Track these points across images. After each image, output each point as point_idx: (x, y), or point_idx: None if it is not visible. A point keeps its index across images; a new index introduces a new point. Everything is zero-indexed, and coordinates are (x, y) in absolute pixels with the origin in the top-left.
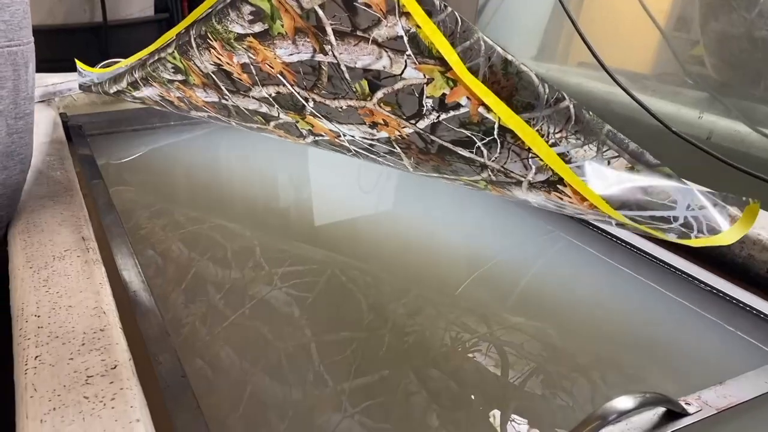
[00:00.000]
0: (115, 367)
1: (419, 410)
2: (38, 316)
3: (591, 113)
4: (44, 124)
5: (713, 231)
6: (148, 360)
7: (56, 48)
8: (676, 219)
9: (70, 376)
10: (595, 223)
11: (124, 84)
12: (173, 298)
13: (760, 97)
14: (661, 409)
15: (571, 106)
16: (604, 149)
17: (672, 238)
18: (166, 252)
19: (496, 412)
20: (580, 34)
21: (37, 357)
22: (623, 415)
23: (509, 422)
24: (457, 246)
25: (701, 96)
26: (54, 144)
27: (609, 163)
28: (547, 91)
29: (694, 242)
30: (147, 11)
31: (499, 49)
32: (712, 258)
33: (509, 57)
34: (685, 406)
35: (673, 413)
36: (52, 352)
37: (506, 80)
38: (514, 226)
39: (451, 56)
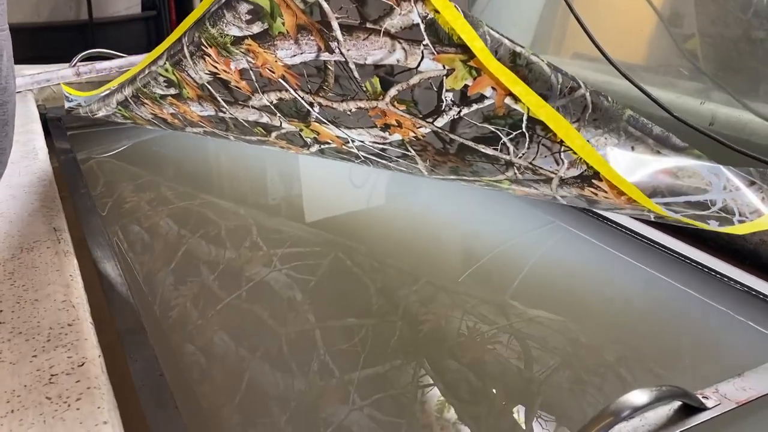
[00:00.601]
0: (82, 365)
1: (435, 404)
2: (0, 311)
3: (610, 99)
4: (21, 116)
5: (756, 213)
6: (122, 357)
7: (41, 46)
8: (713, 203)
9: (32, 375)
10: (603, 213)
11: (113, 104)
12: (161, 278)
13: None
14: (677, 404)
15: (588, 94)
16: (626, 136)
17: (713, 226)
18: (153, 229)
19: (516, 407)
20: (580, 22)
21: None
22: (638, 410)
23: (529, 416)
24: (458, 235)
25: (698, 86)
26: (30, 136)
27: (633, 149)
28: (560, 80)
29: (738, 229)
30: (134, 9)
31: (506, 41)
32: (720, 244)
33: (518, 49)
34: (703, 400)
35: (690, 407)
36: (13, 349)
37: (515, 72)
38: (513, 216)
39: (475, 42)
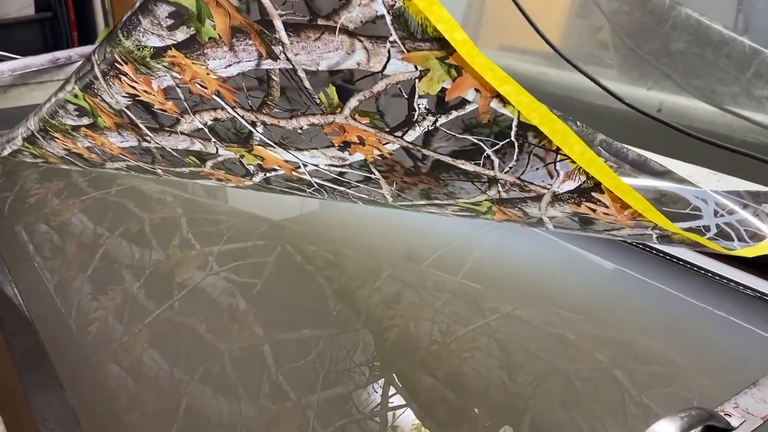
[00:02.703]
0: None
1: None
2: None
3: (579, 123)
4: None
5: (756, 237)
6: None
7: None
8: (707, 229)
9: None
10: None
11: (19, 142)
12: (76, 286)
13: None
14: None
15: None
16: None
17: (721, 247)
18: (63, 229)
19: (507, 428)
20: (523, 13)
21: None
22: None
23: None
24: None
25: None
26: None
27: None
28: None
29: (744, 252)
30: (26, 10)
31: None
32: None
33: None
34: (726, 418)
35: (716, 429)
36: None
37: None
38: None
39: (455, 34)
